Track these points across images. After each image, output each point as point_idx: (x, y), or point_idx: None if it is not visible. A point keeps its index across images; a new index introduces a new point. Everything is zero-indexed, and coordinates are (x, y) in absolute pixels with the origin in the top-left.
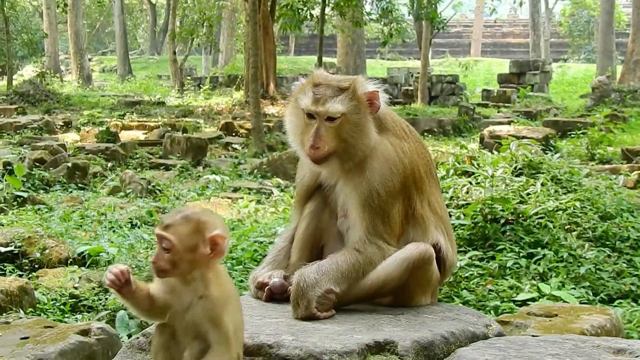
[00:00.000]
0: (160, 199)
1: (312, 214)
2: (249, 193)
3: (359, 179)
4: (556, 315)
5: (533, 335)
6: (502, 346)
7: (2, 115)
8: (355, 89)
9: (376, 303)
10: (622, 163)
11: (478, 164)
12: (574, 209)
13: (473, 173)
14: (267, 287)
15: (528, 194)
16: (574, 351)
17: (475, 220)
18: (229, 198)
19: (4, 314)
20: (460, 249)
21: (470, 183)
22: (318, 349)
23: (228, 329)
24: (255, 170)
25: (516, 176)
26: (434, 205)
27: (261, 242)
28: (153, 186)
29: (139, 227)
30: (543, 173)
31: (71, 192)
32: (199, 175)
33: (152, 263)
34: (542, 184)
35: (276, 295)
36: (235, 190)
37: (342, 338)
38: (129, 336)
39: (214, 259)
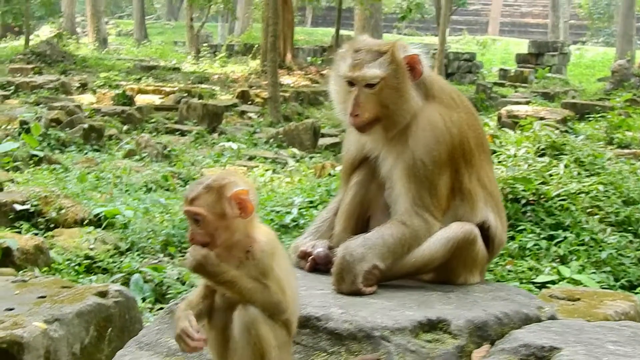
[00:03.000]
0: (175, 164)
1: (359, 184)
2: (264, 162)
3: (402, 148)
4: (579, 299)
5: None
6: (558, 330)
7: (18, 74)
8: (394, 52)
9: (417, 278)
10: None
11: (500, 143)
12: (596, 192)
13: (494, 151)
14: (311, 257)
15: (550, 175)
16: (634, 338)
17: None
18: (244, 166)
19: (20, 272)
20: None
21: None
22: (369, 324)
23: (279, 278)
24: (271, 140)
25: (539, 156)
26: (484, 180)
27: (278, 212)
28: (169, 151)
29: (154, 191)
30: (566, 154)
31: (86, 153)
32: (214, 142)
33: (190, 241)
34: (565, 166)
35: (320, 266)
36: (251, 158)
37: (393, 314)
38: (143, 299)
39: (245, 216)
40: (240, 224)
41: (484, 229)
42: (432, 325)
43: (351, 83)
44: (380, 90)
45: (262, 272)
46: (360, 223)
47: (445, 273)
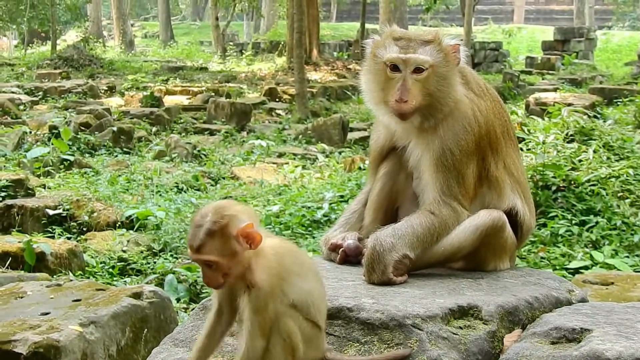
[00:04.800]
0: (205, 164)
1: (387, 175)
2: (294, 158)
3: (432, 137)
4: (612, 283)
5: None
6: (588, 312)
7: (46, 80)
8: (440, 40)
9: (447, 267)
10: None
11: (529, 130)
12: (627, 176)
13: (523, 139)
14: (342, 249)
15: (580, 161)
16: None
17: None
18: (274, 163)
19: (54, 277)
20: None
21: (521, 149)
22: (400, 312)
23: (267, 319)
24: (300, 136)
25: (568, 142)
26: (510, 167)
27: (309, 207)
28: (198, 151)
29: (185, 192)
30: (595, 140)
31: (116, 156)
32: (244, 141)
33: (207, 284)
34: (594, 151)
35: (350, 258)
36: (280, 155)
37: (424, 302)
38: (178, 300)
39: (254, 247)
40: (248, 256)
41: (511, 215)
42: (463, 312)
43: (396, 69)
44: (427, 77)
45: (254, 309)
46: (390, 214)
47: (475, 260)
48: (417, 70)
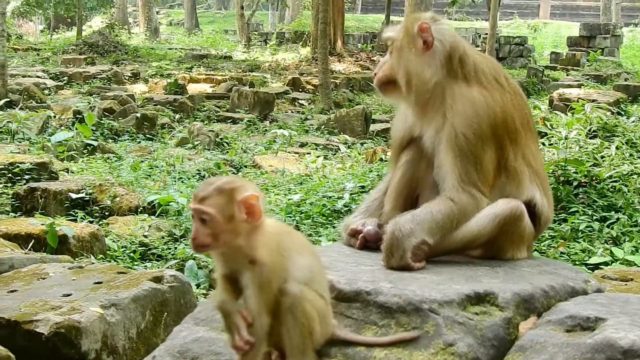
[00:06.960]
0: (228, 152)
1: (408, 163)
2: (316, 149)
3: (441, 120)
4: (632, 279)
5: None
6: (604, 302)
7: (71, 65)
8: (407, 20)
9: (465, 254)
10: None
11: (551, 125)
12: None
13: (546, 134)
14: (361, 235)
15: (602, 157)
16: None
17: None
18: (296, 153)
19: (76, 259)
20: None
21: (543, 144)
22: (417, 297)
23: (272, 295)
24: (322, 126)
25: (590, 138)
26: (529, 158)
27: (329, 197)
28: (221, 139)
29: (207, 179)
30: (618, 136)
31: (139, 142)
32: (266, 130)
33: (192, 240)
34: (616, 147)
35: (370, 244)
36: (302, 145)
37: (441, 287)
38: (198, 285)
39: (252, 221)
40: (245, 227)
41: (530, 206)
42: (480, 298)
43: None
44: (392, 52)
45: (259, 285)
46: (409, 201)
47: (493, 249)
48: (387, 46)
